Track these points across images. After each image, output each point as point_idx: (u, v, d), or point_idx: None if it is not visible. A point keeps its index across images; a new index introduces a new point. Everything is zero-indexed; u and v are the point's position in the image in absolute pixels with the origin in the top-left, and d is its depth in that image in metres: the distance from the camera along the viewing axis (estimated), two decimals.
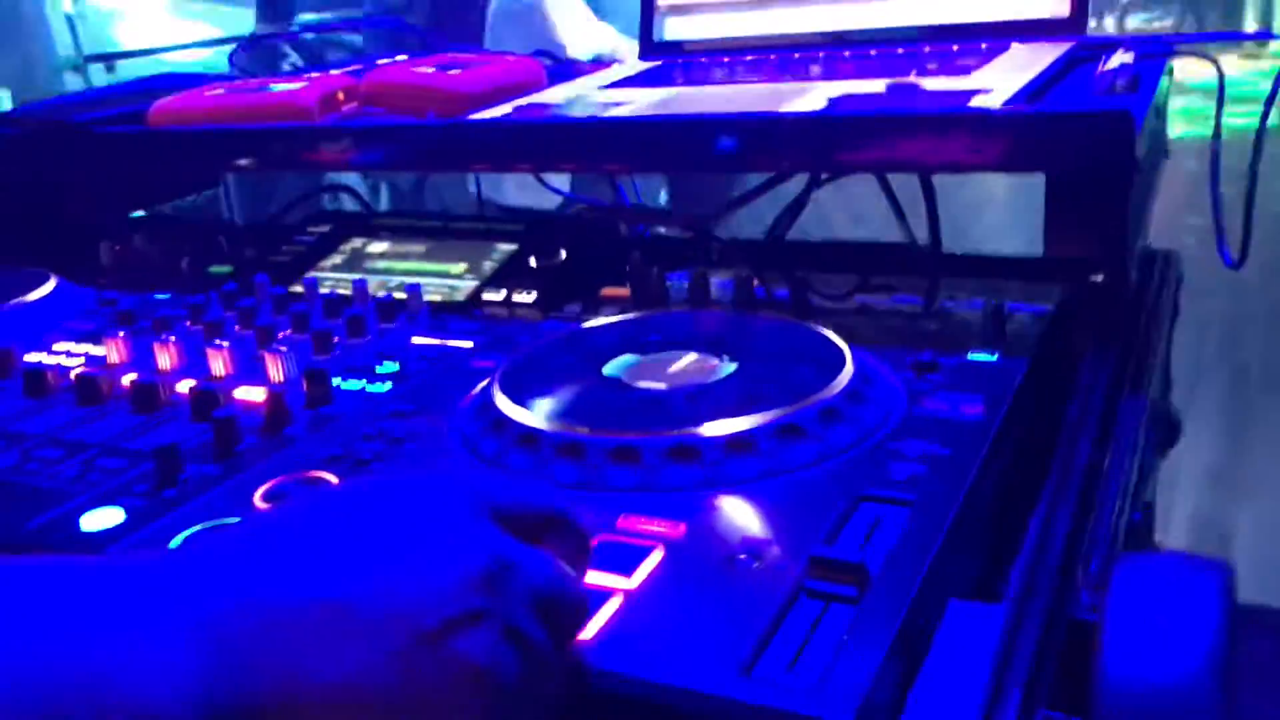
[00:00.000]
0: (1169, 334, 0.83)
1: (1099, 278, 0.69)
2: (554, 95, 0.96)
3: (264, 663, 0.30)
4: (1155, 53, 0.85)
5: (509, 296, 0.86)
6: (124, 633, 0.28)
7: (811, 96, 0.79)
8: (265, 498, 0.55)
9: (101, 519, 0.55)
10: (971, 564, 0.50)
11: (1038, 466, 0.55)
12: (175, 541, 0.51)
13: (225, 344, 0.74)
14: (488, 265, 0.92)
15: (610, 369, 0.64)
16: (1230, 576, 0.39)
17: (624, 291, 0.86)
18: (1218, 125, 0.80)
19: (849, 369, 0.60)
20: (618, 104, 0.88)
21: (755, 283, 0.80)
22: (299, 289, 0.90)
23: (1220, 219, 0.82)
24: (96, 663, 0.27)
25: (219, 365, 0.73)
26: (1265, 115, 0.79)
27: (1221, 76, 0.82)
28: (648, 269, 0.86)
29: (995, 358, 0.65)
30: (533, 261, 0.90)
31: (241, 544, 0.33)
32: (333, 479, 0.56)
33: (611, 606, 0.43)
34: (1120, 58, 0.77)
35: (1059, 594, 0.43)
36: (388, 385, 0.70)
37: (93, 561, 0.31)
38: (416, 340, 0.78)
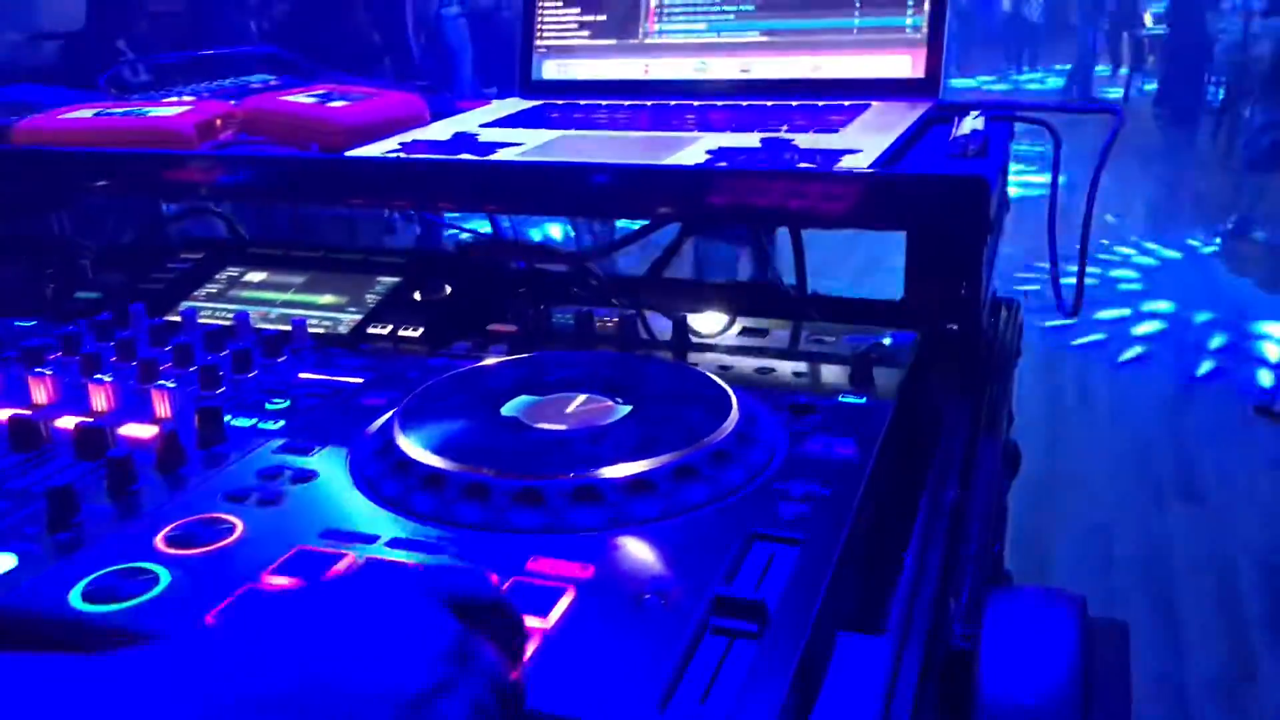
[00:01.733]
0: (1012, 375, 0.91)
1: (954, 326, 0.75)
2: (436, 131, 0.98)
3: None
4: (1002, 116, 0.93)
5: (394, 331, 0.87)
6: None
7: (691, 149, 0.84)
8: (168, 541, 0.55)
9: None
10: (854, 597, 0.55)
11: (908, 503, 0.60)
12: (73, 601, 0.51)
13: (108, 378, 0.73)
14: (370, 298, 0.92)
15: (509, 409, 0.66)
16: (1083, 605, 0.44)
17: (511, 328, 0.88)
18: (1054, 189, 0.88)
19: (735, 413, 0.64)
20: (502, 145, 0.90)
21: (638, 322, 0.84)
22: (176, 319, 0.88)
23: (1056, 275, 0.90)
24: None
25: (100, 400, 0.72)
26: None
27: (1058, 145, 0.90)
28: (534, 305, 0.88)
29: (864, 400, 0.71)
30: (417, 295, 0.92)
31: (225, 644, 0.35)
32: (236, 521, 0.57)
33: (530, 648, 0.45)
34: (971, 123, 0.84)
35: (935, 625, 0.48)
36: (280, 423, 0.70)
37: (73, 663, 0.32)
38: (304, 375, 0.79)
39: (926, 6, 0.98)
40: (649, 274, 0.96)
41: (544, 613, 0.48)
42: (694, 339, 0.84)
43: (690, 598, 0.49)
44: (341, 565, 0.52)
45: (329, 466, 0.64)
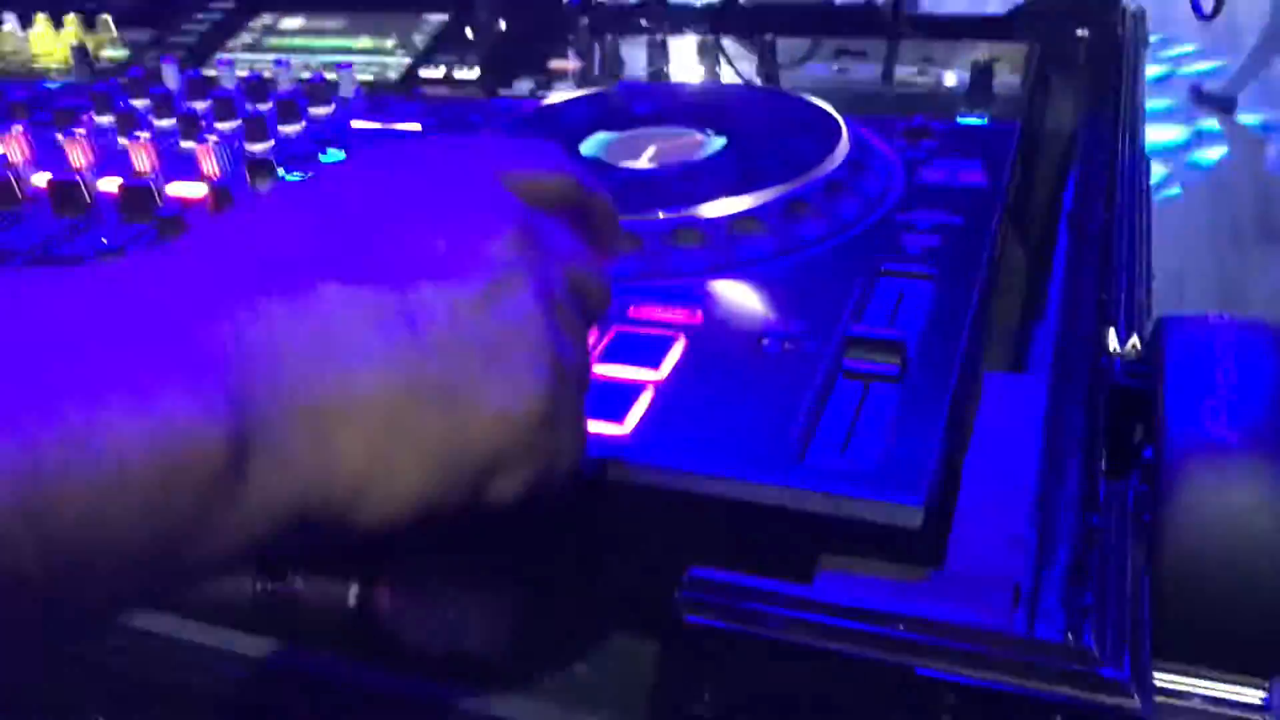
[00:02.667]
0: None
1: (1084, 32, 0.66)
2: None
3: (305, 356, 0.25)
4: None
5: (449, 73, 0.79)
6: (127, 336, 0.23)
7: None
8: None
9: None
10: (995, 335, 0.49)
11: (1046, 230, 0.54)
12: None
13: (145, 135, 0.67)
14: (419, 39, 0.84)
15: (588, 148, 0.60)
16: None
17: (574, 64, 0.80)
18: None
19: (845, 139, 0.56)
20: None
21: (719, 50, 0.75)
22: (211, 73, 0.81)
23: None
24: (95, 366, 0.21)
25: (141, 160, 0.66)
26: None
27: None
28: (598, 37, 0.79)
29: (985, 120, 0.63)
30: (469, 33, 0.83)
31: (254, 231, 0.28)
32: None
33: (644, 401, 0.41)
34: None
35: (1095, 360, 0.42)
36: None
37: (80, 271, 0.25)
38: (357, 124, 0.72)
39: None
40: None
41: (655, 363, 0.43)
42: (783, 65, 0.75)
43: (815, 340, 0.44)
44: None
45: None
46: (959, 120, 0.63)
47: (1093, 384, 0.41)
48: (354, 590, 0.42)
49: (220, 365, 0.24)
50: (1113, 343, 0.44)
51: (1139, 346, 0.43)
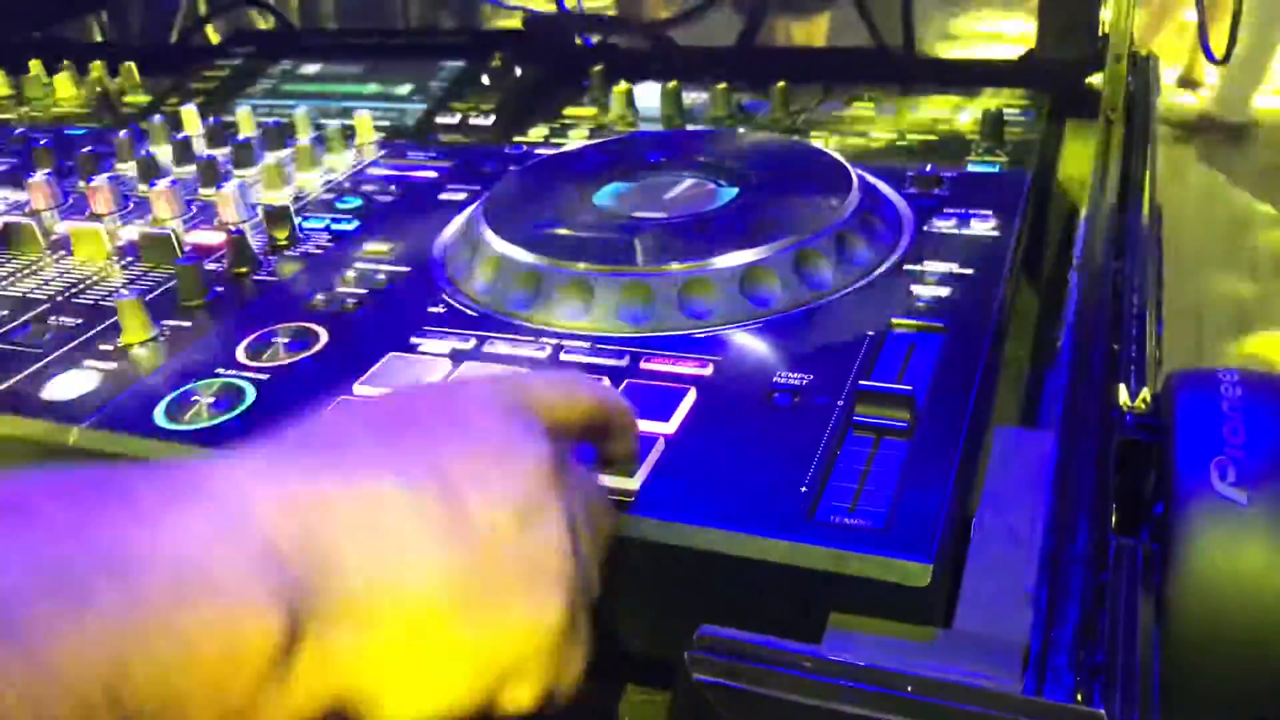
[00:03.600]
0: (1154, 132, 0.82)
1: (1095, 79, 0.66)
2: None
3: (364, 554, 0.27)
4: None
5: (465, 120, 0.80)
6: (205, 528, 0.25)
7: None
8: (249, 351, 0.51)
9: (68, 385, 0.50)
10: (1006, 388, 0.49)
11: (1056, 283, 0.54)
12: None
13: (165, 183, 0.68)
14: (435, 85, 0.85)
15: (602, 198, 0.60)
16: None
17: (589, 110, 0.81)
18: None
19: (855, 189, 0.57)
20: None
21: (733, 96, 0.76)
22: (231, 118, 0.82)
23: (1203, 15, 0.79)
24: (176, 553, 0.24)
25: (162, 207, 0.67)
26: None
27: None
28: (613, 83, 0.80)
29: (997, 168, 0.63)
30: (485, 80, 0.84)
31: (323, 438, 0.31)
32: (320, 330, 0.52)
33: (654, 454, 0.41)
34: None
35: (1105, 414, 0.43)
36: (354, 223, 0.65)
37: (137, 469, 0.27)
38: (374, 171, 0.73)
39: None
40: (738, 43, 0.87)
41: (665, 416, 0.43)
42: (795, 112, 0.76)
43: (825, 394, 0.44)
44: (436, 372, 0.48)
45: (411, 267, 0.59)
46: (969, 168, 0.63)
47: (1103, 439, 0.41)
48: None
49: (285, 558, 0.26)
50: (1123, 396, 0.44)
51: (1149, 400, 0.43)
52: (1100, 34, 0.68)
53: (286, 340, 0.52)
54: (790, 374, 0.45)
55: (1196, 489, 0.36)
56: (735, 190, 0.59)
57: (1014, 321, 0.54)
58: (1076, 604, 0.35)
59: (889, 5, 0.81)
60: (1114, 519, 0.40)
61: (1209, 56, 0.79)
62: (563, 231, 0.56)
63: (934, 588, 0.35)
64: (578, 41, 0.92)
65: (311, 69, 0.90)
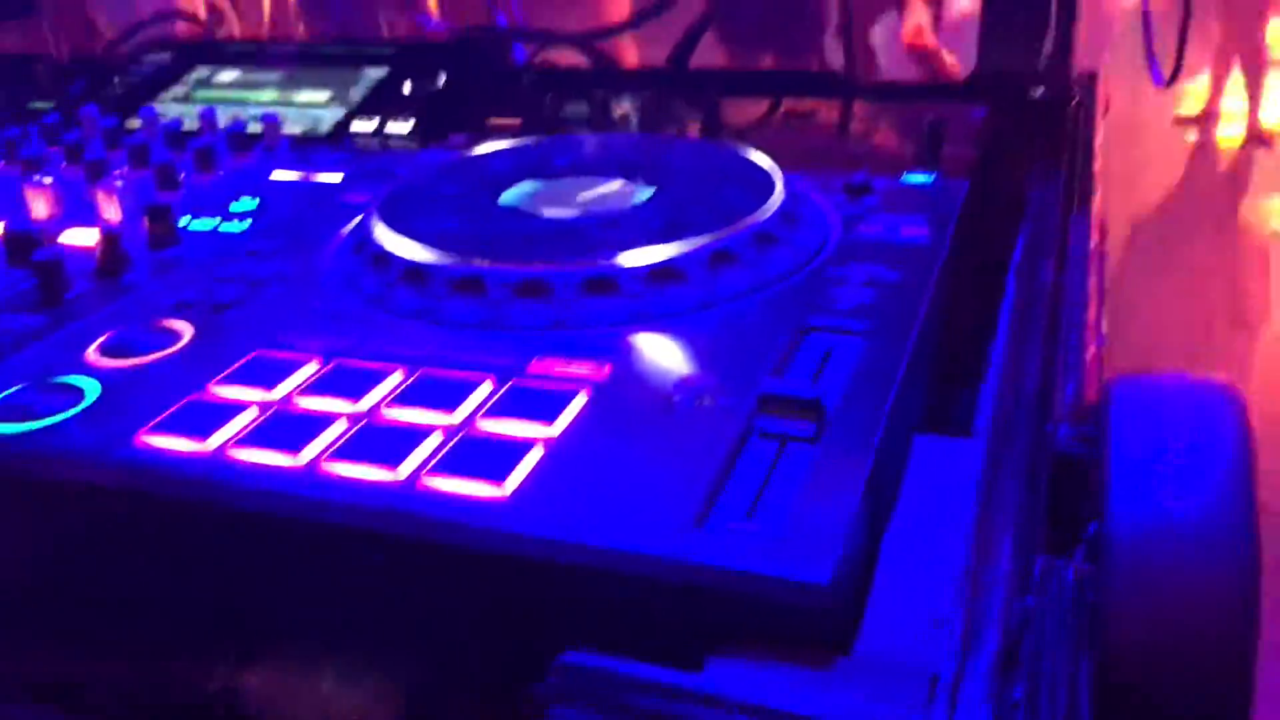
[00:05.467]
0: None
1: (1039, 92, 0.63)
2: None
3: None
4: None
5: (381, 126, 0.76)
6: None
7: None
8: (102, 351, 0.46)
9: None
10: (929, 397, 0.45)
11: (989, 293, 0.50)
12: None
13: (48, 181, 0.63)
14: (355, 93, 0.81)
15: (509, 198, 0.56)
16: (1242, 400, 0.34)
17: (514, 121, 0.77)
18: None
19: (779, 190, 0.53)
20: None
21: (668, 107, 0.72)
22: (136, 123, 0.78)
23: (1150, 39, 0.77)
24: None
25: (40, 206, 0.62)
26: None
27: None
28: (541, 96, 0.77)
29: (932, 178, 0.59)
30: (407, 88, 0.80)
31: None
32: (185, 328, 0.47)
33: (531, 459, 0.36)
34: None
35: (1038, 424, 0.38)
36: (245, 224, 0.60)
37: None
38: (277, 175, 0.68)
39: None
40: (672, 58, 0.84)
41: (549, 419, 0.38)
42: (728, 126, 0.73)
43: (732, 398, 0.39)
44: (307, 371, 0.43)
45: (299, 267, 0.54)
46: (905, 179, 0.60)
47: (1033, 450, 0.37)
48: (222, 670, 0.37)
49: None
50: (1058, 406, 0.40)
51: (1084, 411, 0.39)
52: (1044, 47, 0.65)
53: (144, 338, 0.47)
54: (695, 377, 0.41)
55: (1133, 502, 0.32)
56: (652, 190, 0.55)
57: (948, 332, 0.50)
58: (996, 630, 0.30)
59: (828, 22, 0.78)
60: (1046, 538, 0.35)
61: (1155, 80, 0.76)
62: (460, 227, 0.51)
63: (834, 610, 0.30)
64: (508, 56, 0.88)
65: (228, 76, 0.86)
